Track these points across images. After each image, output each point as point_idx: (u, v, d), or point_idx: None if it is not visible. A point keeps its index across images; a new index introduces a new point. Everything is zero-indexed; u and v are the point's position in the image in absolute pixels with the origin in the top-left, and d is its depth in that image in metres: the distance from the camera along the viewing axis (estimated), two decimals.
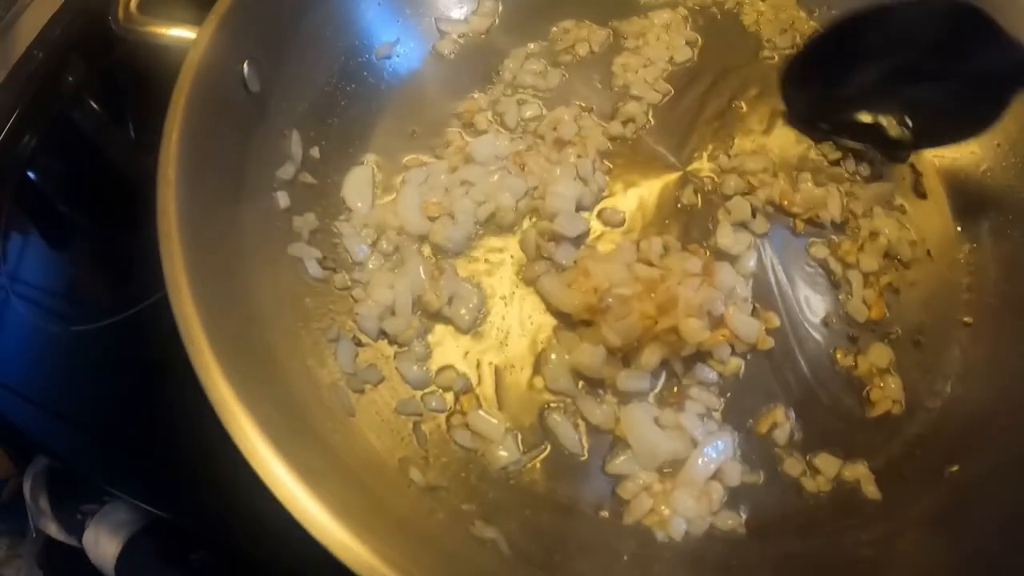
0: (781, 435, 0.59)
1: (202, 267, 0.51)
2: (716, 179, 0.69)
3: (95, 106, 0.89)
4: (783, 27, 0.76)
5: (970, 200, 0.69)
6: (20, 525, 0.80)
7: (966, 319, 0.66)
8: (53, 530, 0.75)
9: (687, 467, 0.56)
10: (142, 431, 0.68)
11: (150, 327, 0.71)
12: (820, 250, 0.66)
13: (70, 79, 0.89)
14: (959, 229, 0.69)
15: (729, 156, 0.69)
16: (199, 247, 0.51)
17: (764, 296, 0.64)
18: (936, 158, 0.71)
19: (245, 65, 0.61)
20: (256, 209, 0.61)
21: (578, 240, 0.64)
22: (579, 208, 0.65)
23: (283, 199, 0.64)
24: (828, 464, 0.59)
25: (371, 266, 0.64)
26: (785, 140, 0.71)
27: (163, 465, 0.67)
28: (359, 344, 0.62)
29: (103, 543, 0.69)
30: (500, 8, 0.77)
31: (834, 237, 0.67)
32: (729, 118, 0.72)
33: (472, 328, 0.62)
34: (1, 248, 0.78)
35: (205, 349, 0.47)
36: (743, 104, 0.72)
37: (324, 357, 0.60)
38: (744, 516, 0.57)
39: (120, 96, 0.91)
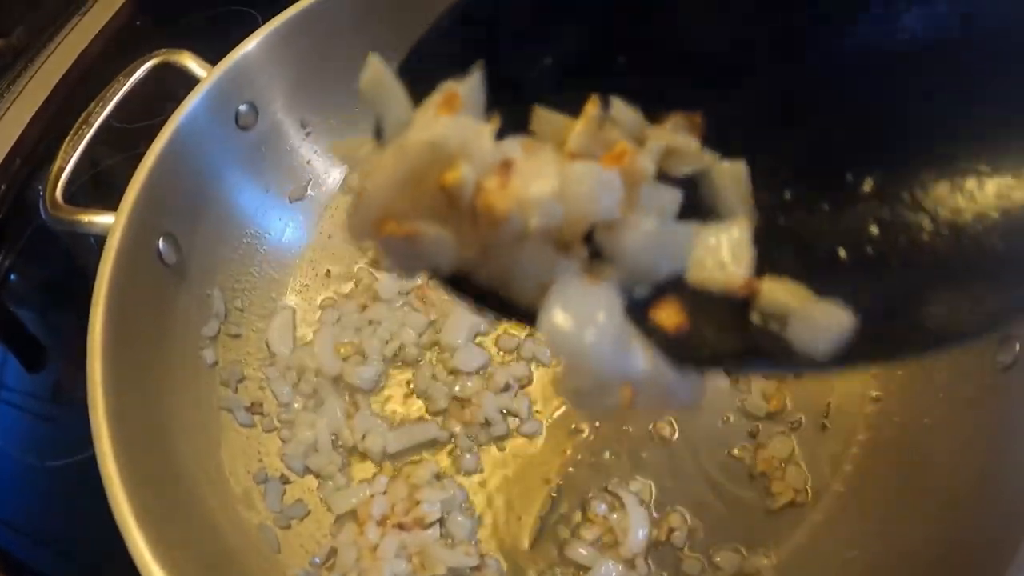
0: (679, 537, 0.65)
1: (131, 438, 0.58)
2: None
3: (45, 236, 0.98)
4: None
5: None
6: None
7: (874, 394, 0.69)
8: None
9: None
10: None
11: None
12: None
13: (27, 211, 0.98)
14: None
15: None
16: (128, 419, 0.59)
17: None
18: None
19: (160, 242, 0.69)
20: (185, 369, 0.70)
21: (479, 370, 0.71)
22: (478, 335, 0.72)
23: (209, 356, 0.72)
24: (727, 560, 0.64)
25: (296, 406, 0.72)
26: None
27: None
28: (286, 482, 0.70)
29: None
30: None
31: None
32: None
33: (382, 460, 0.70)
34: None
35: (129, 520, 0.54)
36: None
37: (253, 500, 0.68)
38: None
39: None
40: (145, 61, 0.73)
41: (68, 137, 0.72)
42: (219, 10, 0.88)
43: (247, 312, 0.76)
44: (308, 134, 0.80)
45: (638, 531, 0.65)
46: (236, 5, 0.98)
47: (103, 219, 0.68)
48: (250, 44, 0.73)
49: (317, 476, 0.70)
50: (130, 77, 0.73)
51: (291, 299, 0.77)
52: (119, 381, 0.61)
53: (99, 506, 0.55)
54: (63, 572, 0.76)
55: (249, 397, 0.72)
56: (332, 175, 0.83)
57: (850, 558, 0.62)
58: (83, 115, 0.72)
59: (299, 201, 0.81)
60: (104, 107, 0.72)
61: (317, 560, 0.66)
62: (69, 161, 0.71)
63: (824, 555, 0.64)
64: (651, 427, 0.68)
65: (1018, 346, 0.58)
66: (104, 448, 0.57)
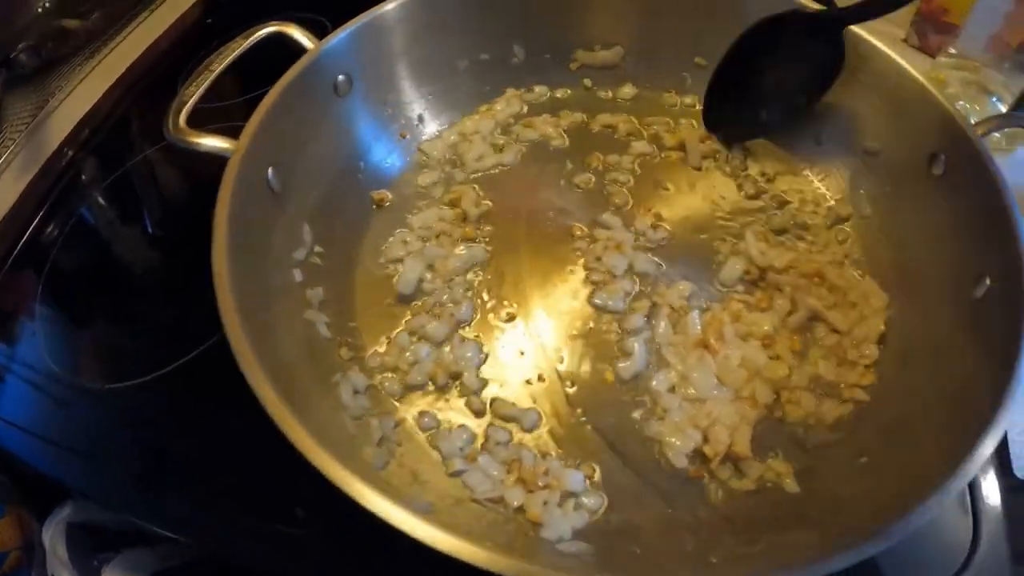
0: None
1: (248, 320, 0.69)
2: None
3: (104, 203, 1.12)
4: None
5: None
6: None
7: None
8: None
9: None
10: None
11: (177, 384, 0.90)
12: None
13: (88, 178, 1.12)
14: None
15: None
16: (245, 307, 0.70)
17: None
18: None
19: (270, 170, 0.84)
20: (280, 280, 0.83)
21: None
22: None
23: (298, 275, 0.86)
24: (751, 468, 0.78)
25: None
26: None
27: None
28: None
29: None
30: None
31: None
32: None
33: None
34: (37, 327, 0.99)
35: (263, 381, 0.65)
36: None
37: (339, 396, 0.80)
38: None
39: (133, 197, 1.13)
40: (263, 27, 0.92)
41: (191, 78, 0.87)
42: (291, 15, 1.05)
43: (328, 248, 0.91)
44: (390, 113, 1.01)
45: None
46: (307, 12, 1.18)
47: (217, 143, 0.83)
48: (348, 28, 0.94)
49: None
50: (248, 39, 0.91)
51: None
52: (237, 281, 0.71)
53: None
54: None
55: (329, 316, 0.86)
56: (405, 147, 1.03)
57: (862, 464, 0.75)
58: (204, 63, 0.88)
59: (377, 166, 0.99)
60: (223, 60, 0.89)
61: None
62: (191, 97, 0.86)
63: (837, 464, 0.77)
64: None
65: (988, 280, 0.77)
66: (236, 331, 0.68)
